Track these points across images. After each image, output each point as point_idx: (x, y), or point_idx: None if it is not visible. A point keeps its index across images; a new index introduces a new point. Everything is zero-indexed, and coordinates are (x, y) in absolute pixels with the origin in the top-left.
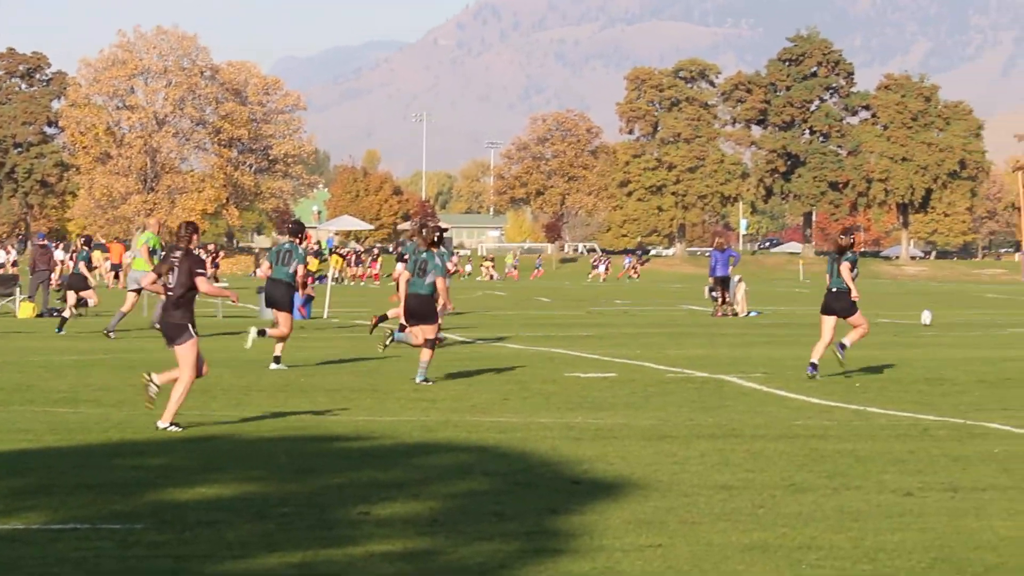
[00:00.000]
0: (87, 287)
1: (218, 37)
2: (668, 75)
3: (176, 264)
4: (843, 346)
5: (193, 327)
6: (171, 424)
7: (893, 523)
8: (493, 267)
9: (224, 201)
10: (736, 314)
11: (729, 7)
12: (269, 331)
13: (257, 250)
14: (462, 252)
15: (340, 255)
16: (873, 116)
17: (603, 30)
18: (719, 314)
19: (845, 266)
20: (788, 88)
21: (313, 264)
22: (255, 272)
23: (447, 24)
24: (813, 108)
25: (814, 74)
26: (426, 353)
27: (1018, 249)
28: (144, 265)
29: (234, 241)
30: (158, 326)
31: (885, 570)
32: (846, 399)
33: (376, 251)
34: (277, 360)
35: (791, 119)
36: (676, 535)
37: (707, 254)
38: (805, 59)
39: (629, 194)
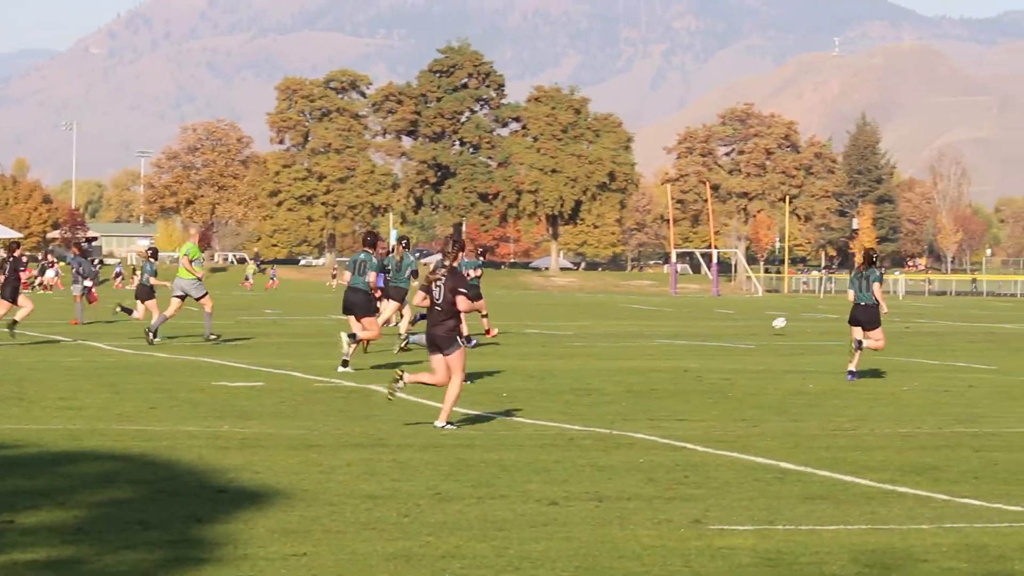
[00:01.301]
0: (152, 297)
1: None
2: (319, 85)
3: (441, 280)
4: (853, 374)
5: (461, 337)
6: (447, 423)
7: (538, 532)
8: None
9: None
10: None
11: (381, 18)
12: (360, 335)
13: None
14: (109, 261)
15: None
16: (523, 128)
17: (254, 40)
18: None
19: (876, 286)
20: (439, 99)
21: None
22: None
23: (99, 33)
24: (464, 119)
25: (465, 86)
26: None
27: (667, 261)
28: (187, 274)
29: None
30: (413, 340)
31: None
32: (493, 409)
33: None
34: (345, 364)
35: (442, 130)
36: (321, 544)
37: None
38: (456, 71)
39: (279, 204)
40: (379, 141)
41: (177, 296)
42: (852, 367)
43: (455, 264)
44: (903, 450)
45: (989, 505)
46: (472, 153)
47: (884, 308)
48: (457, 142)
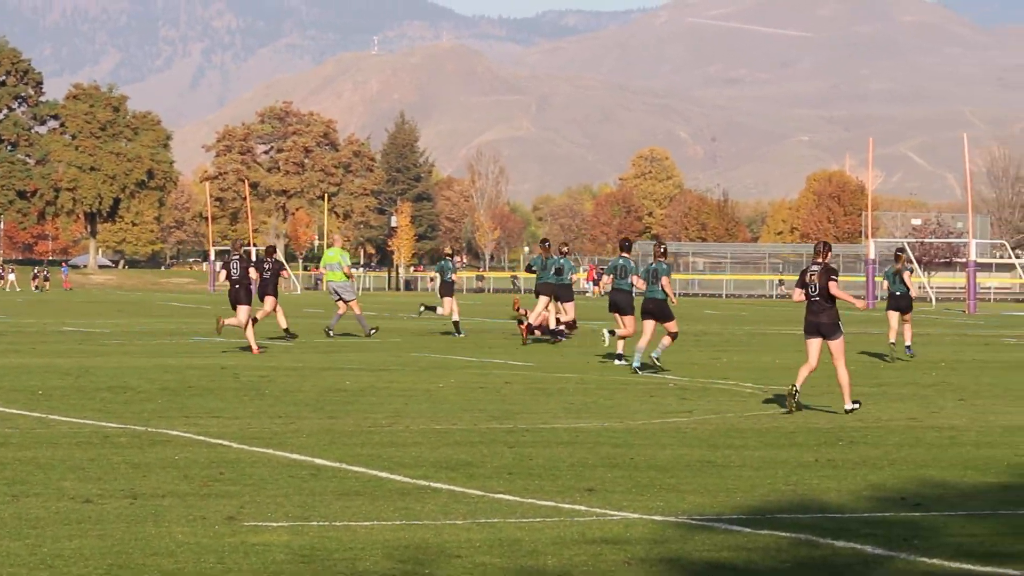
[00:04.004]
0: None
1: None
2: None
3: (815, 275)
4: (909, 348)
5: (841, 323)
6: (852, 403)
7: (72, 530)
8: None
9: None
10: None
11: None
12: (618, 331)
13: None
14: None
15: None
16: (62, 126)
17: None
18: None
19: (908, 276)
20: None
21: None
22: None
23: None
24: (1, 117)
25: (2, 83)
26: (667, 340)
27: (206, 259)
28: (340, 276)
29: None
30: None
31: None
32: (29, 407)
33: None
34: (620, 357)
35: None
36: None
37: None
38: None
39: None
40: None
41: (343, 300)
42: (908, 342)
43: (827, 261)
44: (438, 446)
45: (523, 500)
46: (10, 151)
47: (913, 293)
48: None
